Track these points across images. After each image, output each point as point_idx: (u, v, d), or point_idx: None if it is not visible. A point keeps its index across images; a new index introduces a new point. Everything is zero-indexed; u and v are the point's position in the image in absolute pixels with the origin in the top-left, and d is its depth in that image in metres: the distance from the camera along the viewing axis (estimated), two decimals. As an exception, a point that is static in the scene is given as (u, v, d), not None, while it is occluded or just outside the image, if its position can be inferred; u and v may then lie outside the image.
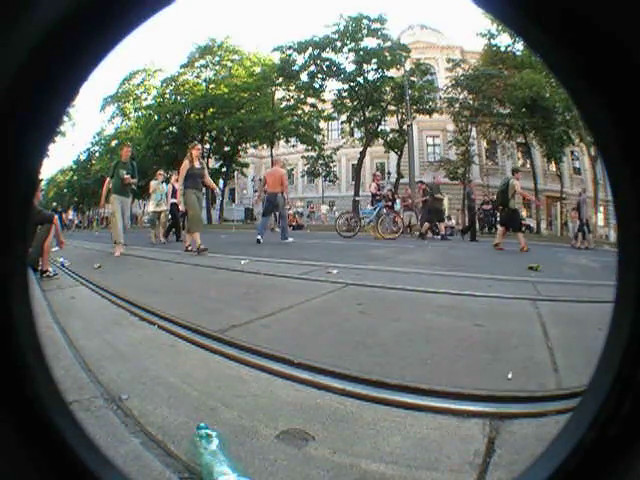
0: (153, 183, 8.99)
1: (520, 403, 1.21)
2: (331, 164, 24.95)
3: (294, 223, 18.48)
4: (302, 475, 0.87)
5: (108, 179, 6.27)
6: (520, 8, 0.24)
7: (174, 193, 8.41)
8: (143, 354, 1.62)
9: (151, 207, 8.74)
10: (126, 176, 6.08)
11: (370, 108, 22.50)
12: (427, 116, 22.08)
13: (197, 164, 6.10)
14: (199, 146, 6.58)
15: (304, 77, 23.14)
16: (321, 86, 23.29)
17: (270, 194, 7.75)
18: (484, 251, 7.28)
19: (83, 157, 34.91)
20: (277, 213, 8.58)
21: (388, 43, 21.48)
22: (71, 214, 29.23)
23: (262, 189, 8.21)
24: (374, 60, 21.48)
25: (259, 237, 7.38)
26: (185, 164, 6.03)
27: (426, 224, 10.55)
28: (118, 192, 6.03)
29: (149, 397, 1.22)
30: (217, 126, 26.22)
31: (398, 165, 22.39)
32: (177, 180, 9.01)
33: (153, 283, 3.36)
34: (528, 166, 23.25)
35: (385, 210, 9.96)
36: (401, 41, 22.14)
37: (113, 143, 31.88)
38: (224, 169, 29.58)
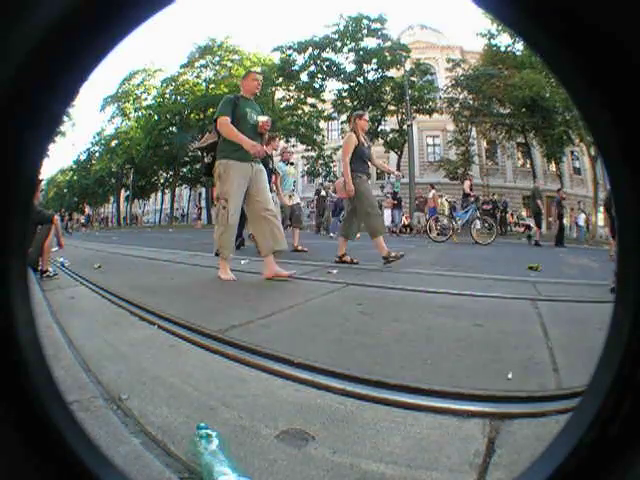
0: (281, 165, 6.44)
1: (520, 403, 1.20)
2: (331, 164, 24.95)
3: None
4: (302, 475, 0.87)
5: (225, 118, 3.21)
6: (520, 8, 0.24)
7: None
8: (143, 354, 1.62)
9: (286, 200, 6.38)
10: (263, 119, 3.38)
11: (370, 108, 22.50)
12: (427, 116, 22.10)
13: (363, 140, 4.37)
14: (367, 116, 4.58)
15: (304, 77, 23.16)
16: (321, 86, 23.31)
17: (338, 199, 9.49)
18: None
19: (83, 157, 34.97)
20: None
21: (388, 43, 21.50)
22: (87, 210, 29.16)
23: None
24: (374, 60, 21.50)
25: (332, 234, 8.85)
26: (352, 139, 4.25)
27: (535, 229, 10.58)
28: (239, 155, 3.19)
29: (149, 397, 1.22)
30: (217, 126, 26.18)
31: (398, 165, 22.39)
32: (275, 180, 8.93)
33: (153, 283, 3.36)
34: (528, 166, 23.27)
35: (478, 213, 9.67)
36: (401, 41, 22.16)
37: (113, 143, 31.95)
38: (224, 169, 29.56)
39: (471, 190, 9.96)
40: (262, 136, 3.46)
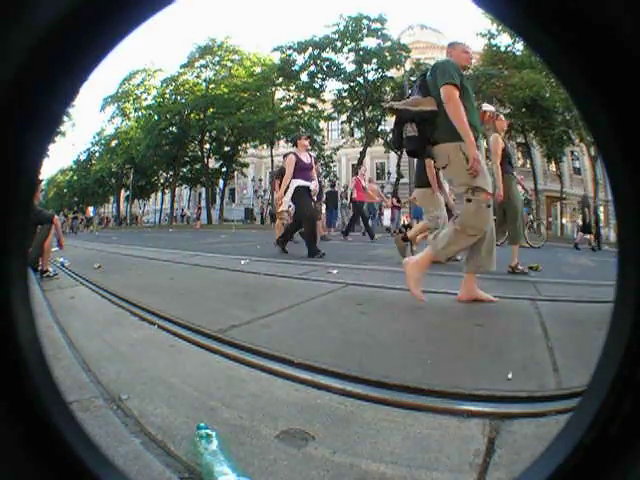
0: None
1: (520, 403, 1.21)
2: (331, 164, 24.94)
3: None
4: (302, 475, 0.87)
5: (456, 90, 2.36)
6: (520, 8, 0.24)
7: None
8: (143, 354, 1.62)
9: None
10: (491, 108, 2.73)
11: (370, 108, 22.51)
12: (427, 116, 22.06)
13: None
14: (503, 117, 4.10)
15: (304, 77, 23.15)
16: (321, 86, 23.31)
17: (369, 204, 10.06)
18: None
19: (83, 157, 34.96)
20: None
21: (388, 43, 21.50)
22: (91, 211, 29.19)
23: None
24: (374, 60, 21.50)
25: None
26: (499, 140, 3.96)
27: (580, 234, 10.67)
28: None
29: (149, 397, 1.22)
30: (217, 126, 26.25)
31: (398, 165, 22.38)
32: (362, 175, 8.63)
33: (153, 283, 3.36)
34: (528, 166, 23.26)
35: (531, 216, 9.62)
36: (401, 41, 22.15)
37: (113, 143, 31.94)
38: (224, 169, 29.61)
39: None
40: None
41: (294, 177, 5.23)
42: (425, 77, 2.56)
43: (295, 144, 5.52)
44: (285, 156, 6.99)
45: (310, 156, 5.57)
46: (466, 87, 2.46)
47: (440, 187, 4.27)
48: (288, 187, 5.22)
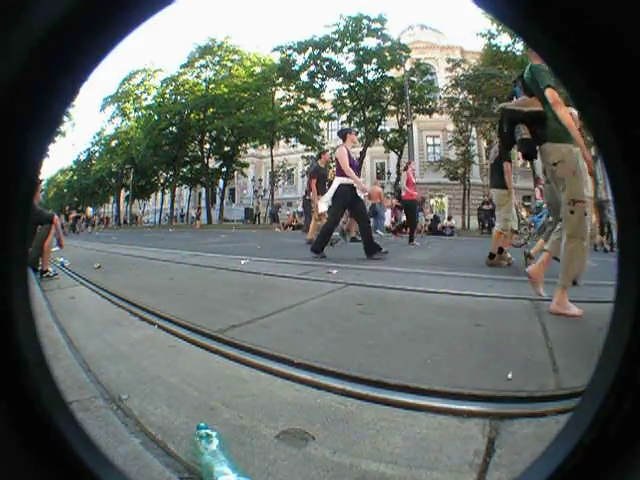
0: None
1: (520, 403, 1.20)
2: (331, 164, 24.94)
3: (294, 223, 18.53)
4: (302, 475, 0.87)
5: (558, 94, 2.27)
6: (520, 8, 0.24)
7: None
8: (143, 354, 1.62)
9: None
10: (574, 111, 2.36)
11: (370, 108, 22.54)
12: (427, 116, 22.11)
13: None
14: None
15: (304, 77, 23.18)
16: (321, 86, 23.33)
17: (372, 204, 10.22)
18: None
19: (83, 157, 34.98)
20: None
21: (388, 43, 21.53)
22: (90, 211, 29.17)
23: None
24: (374, 60, 21.52)
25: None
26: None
27: (598, 237, 10.67)
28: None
29: (149, 397, 1.22)
30: (217, 126, 26.29)
31: (398, 165, 22.40)
32: (413, 170, 8.15)
33: (153, 283, 3.36)
34: (528, 166, 23.27)
35: (551, 219, 9.37)
36: (401, 41, 22.17)
37: (113, 143, 31.96)
38: (224, 169, 29.63)
39: (541, 195, 9.71)
40: None
41: (338, 175, 4.98)
42: (523, 77, 2.51)
43: (344, 138, 5.24)
44: (317, 158, 7.58)
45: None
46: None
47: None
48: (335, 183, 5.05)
